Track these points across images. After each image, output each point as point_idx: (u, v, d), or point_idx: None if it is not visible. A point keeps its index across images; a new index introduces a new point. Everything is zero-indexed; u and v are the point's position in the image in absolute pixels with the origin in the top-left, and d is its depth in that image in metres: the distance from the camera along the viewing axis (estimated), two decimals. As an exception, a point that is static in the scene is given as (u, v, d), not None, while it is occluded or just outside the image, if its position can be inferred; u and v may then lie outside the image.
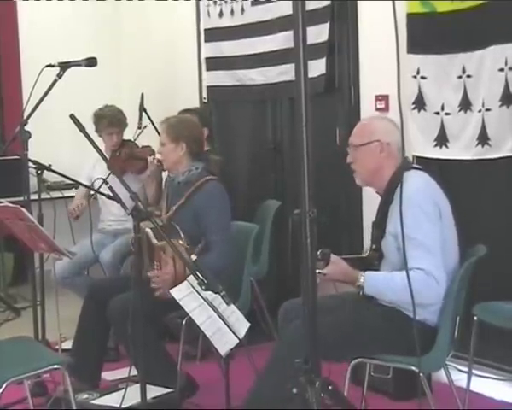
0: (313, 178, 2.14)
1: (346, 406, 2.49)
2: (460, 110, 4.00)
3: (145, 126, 5.19)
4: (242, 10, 5.46)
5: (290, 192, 5.18)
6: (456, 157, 4.07)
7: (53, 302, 3.98)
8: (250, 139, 5.69)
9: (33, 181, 3.90)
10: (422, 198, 2.98)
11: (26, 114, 3.81)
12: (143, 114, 5.30)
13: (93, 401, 3.55)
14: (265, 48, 5.24)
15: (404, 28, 4.10)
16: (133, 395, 3.11)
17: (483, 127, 3.87)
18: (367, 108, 4.53)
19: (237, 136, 5.78)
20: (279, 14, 5.06)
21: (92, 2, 6.70)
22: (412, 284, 2.47)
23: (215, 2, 5.73)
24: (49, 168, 3.90)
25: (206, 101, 5.98)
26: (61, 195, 4.52)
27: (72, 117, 2.98)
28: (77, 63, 3.89)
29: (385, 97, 4.43)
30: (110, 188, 3.04)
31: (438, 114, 4.12)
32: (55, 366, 3.11)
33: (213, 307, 2.97)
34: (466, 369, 3.58)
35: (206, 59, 5.89)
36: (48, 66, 3.82)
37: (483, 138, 3.88)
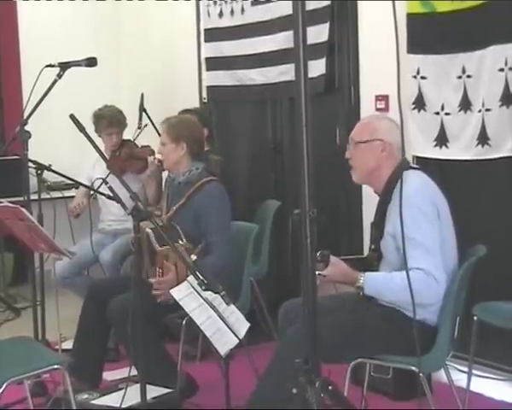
0: (313, 178, 2.14)
1: (346, 406, 2.49)
2: (460, 110, 4.00)
3: (146, 125, 5.19)
4: (242, 10, 5.46)
5: (290, 192, 5.18)
6: (456, 157, 4.07)
7: (53, 302, 3.98)
8: (250, 139, 5.69)
9: (33, 181, 3.90)
10: (421, 198, 2.98)
11: (26, 114, 3.82)
12: (143, 114, 5.30)
13: (93, 401, 3.55)
14: (265, 48, 5.24)
15: (404, 28, 4.10)
16: (133, 395, 3.11)
17: (483, 127, 3.87)
18: (367, 108, 4.53)
19: (237, 136, 5.78)
20: (279, 14, 5.06)
21: (92, 2, 6.70)
22: (412, 283, 2.47)
23: (215, 2, 5.73)
24: (49, 168, 3.90)
25: (205, 101, 5.98)
26: (61, 195, 4.52)
27: (72, 117, 2.98)
28: (77, 63, 3.89)
29: (385, 97, 4.43)
30: (110, 188, 3.04)
31: (438, 114, 4.12)
32: (55, 366, 3.11)
33: (213, 307, 2.97)
34: (466, 369, 3.58)
35: (206, 59, 5.89)
36: (48, 66, 3.83)
37: (483, 138, 3.88)
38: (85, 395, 3.59)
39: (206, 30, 5.87)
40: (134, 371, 3.07)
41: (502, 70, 3.73)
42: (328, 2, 4.69)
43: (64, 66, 3.83)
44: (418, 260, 2.87)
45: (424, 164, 4.05)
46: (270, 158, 5.46)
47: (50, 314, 4.05)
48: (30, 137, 3.76)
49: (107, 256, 4.84)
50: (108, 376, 4.12)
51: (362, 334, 3.02)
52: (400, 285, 2.85)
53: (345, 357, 3.08)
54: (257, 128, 5.61)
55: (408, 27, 4.12)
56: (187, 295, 2.97)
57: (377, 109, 4.45)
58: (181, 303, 2.95)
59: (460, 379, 3.63)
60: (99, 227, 5.12)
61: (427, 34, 4.09)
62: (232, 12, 5.56)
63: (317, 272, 2.39)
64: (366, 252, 3.36)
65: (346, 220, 4.82)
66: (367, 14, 4.54)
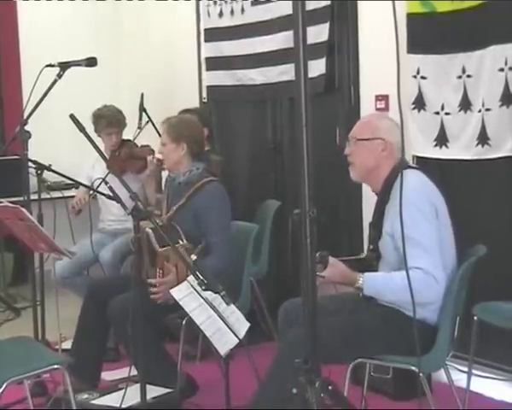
0: (313, 178, 2.14)
1: (346, 406, 2.49)
2: (460, 110, 4.00)
3: (147, 122, 5.17)
4: (242, 10, 5.46)
5: (290, 192, 5.18)
6: (456, 157, 4.07)
7: (53, 302, 3.98)
8: (250, 139, 5.69)
9: (33, 181, 3.90)
10: (419, 197, 2.98)
11: (26, 114, 3.81)
12: (143, 113, 5.30)
13: (93, 401, 3.55)
14: (265, 48, 5.24)
15: (404, 28, 4.10)
16: (133, 395, 3.11)
17: (483, 127, 3.87)
18: (367, 108, 4.53)
19: (237, 136, 5.78)
20: (279, 14, 5.06)
21: (92, 2, 6.70)
22: (411, 283, 2.47)
23: (215, 2, 5.73)
24: (49, 168, 3.90)
25: (205, 101, 5.98)
26: (61, 195, 4.51)
27: (72, 117, 2.98)
28: (77, 63, 3.89)
29: (385, 97, 4.43)
30: (110, 188, 3.04)
31: (438, 113, 4.12)
32: (55, 366, 3.11)
33: (213, 307, 2.97)
34: (466, 369, 3.58)
35: (206, 59, 5.89)
36: (48, 66, 3.82)
37: (483, 138, 3.88)
38: (85, 395, 3.59)
39: (206, 30, 5.87)
40: (134, 371, 3.07)
41: (502, 70, 3.73)
42: (328, 2, 4.69)
43: (64, 66, 3.82)
44: (417, 259, 2.86)
45: (424, 164, 4.05)
46: (270, 158, 5.46)
47: (50, 314, 4.04)
48: (30, 137, 3.76)
49: (107, 256, 4.84)
50: (108, 376, 4.13)
51: (362, 334, 3.02)
52: (400, 285, 2.85)
53: (345, 358, 3.08)
54: (257, 128, 5.61)
55: (408, 27, 4.12)
56: (187, 295, 2.97)
57: (377, 109, 4.45)
58: (181, 303, 2.95)
59: (460, 379, 3.63)
60: (99, 227, 5.12)
61: (427, 34, 4.09)
62: (232, 12, 5.56)
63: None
64: (366, 252, 3.35)
65: (346, 220, 4.82)
66: (367, 14, 4.54)
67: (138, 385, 2.91)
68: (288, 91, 5.00)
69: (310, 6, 4.16)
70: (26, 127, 3.76)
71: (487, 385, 3.89)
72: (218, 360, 3.46)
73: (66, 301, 4.56)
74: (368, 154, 3.16)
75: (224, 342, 2.95)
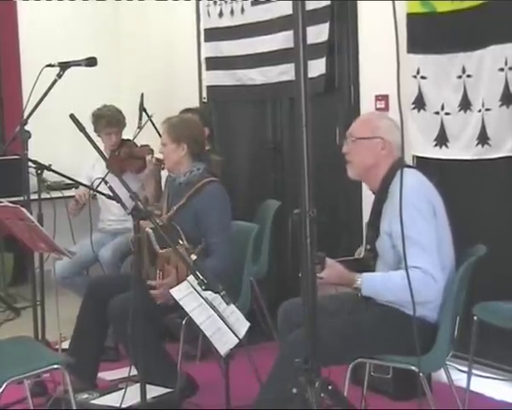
0: (313, 178, 2.14)
1: (346, 406, 2.49)
2: (460, 110, 4.00)
3: (149, 117, 5.16)
4: (242, 10, 5.46)
5: (290, 192, 5.18)
6: (456, 157, 4.07)
7: (53, 302, 3.98)
8: (250, 139, 5.69)
9: (33, 181, 3.90)
10: (416, 196, 2.98)
11: (26, 114, 3.81)
12: (143, 113, 5.29)
13: (93, 401, 3.55)
14: (265, 48, 5.24)
15: (404, 28, 4.10)
16: (133, 394, 3.11)
17: (483, 127, 3.87)
18: (367, 108, 4.53)
19: (237, 136, 5.78)
20: (279, 14, 5.06)
21: (92, 2, 6.70)
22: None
23: (215, 2, 5.73)
24: (49, 168, 3.90)
25: (205, 101, 5.98)
26: (60, 195, 4.51)
27: (72, 117, 2.98)
28: (77, 63, 3.89)
29: (385, 97, 4.43)
30: (110, 188, 3.04)
31: (438, 113, 4.12)
32: (55, 366, 3.11)
33: (213, 307, 2.97)
34: (466, 369, 3.58)
35: (206, 59, 5.89)
36: (48, 66, 3.82)
37: (483, 138, 3.88)
38: (85, 395, 3.59)
39: (206, 30, 5.87)
40: (134, 371, 3.07)
41: (502, 70, 3.73)
42: (328, 2, 4.69)
43: (64, 66, 3.82)
44: (415, 258, 2.85)
45: (424, 164, 4.05)
46: (270, 158, 5.46)
47: (50, 314, 4.04)
48: (30, 137, 3.76)
49: (106, 254, 4.84)
50: (108, 376, 4.13)
51: (361, 335, 3.02)
52: (398, 284, 2.85)
53: (345, 358, 3.08)
54: (257, 128, 5.61)
55: (408, 27, 4.12)
56: (187, 295, 2.97)
57: (377, 109, 4.45)
58: (181, 303, 2.95)
59: (460, 379, 3.63)
60: (99, 227, 5.13)
61: (427, 34, 4.09)
62: (232, 12, 5.56)
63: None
64: (359, 254, 3.35)
65: (346, 220, 4.83)
66: (367, 14, 4.54)
67: (138, 385, 2.91)
68: (288, 91, 5.00)
69: (310, 6, 4.16)
70: (26, 127, 3.76)
71: (487, 385, 3.89)
72: (218, 360, 3.46)
73: (66, 301, 4.56)
74: (367, 152, 3.15)
75: (224, 341, 2.95)
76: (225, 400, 3.31)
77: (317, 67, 4.69)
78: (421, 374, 2.91)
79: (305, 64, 2.12)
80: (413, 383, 3.02)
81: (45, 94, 3.77)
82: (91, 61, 3.93)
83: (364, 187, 4.00)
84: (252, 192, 5.54)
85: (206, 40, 5.88)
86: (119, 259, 4.84)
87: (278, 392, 2.78)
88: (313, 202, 2.14)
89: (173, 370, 3.74)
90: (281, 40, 5.04)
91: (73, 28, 6.56)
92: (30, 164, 3.83)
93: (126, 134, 5.21)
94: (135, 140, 5.14)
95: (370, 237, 3.18)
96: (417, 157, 4.20)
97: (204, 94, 6.00)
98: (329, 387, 2.25)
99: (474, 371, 3.59)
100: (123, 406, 3.24)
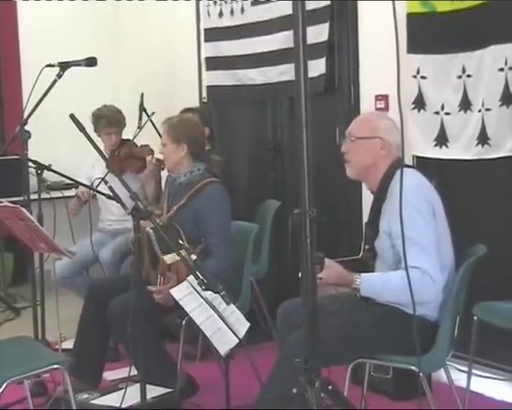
0: (313, 178, 2.14)
1: (346, 406, 2.49)
2: (460, 110, 4.00)
3: (149, 117, 5.15)
4: (242, 10, 5.46)
5: (290, 192, 5.18)
6: (456, 157, 4.07)
7: (53, 302, 3.98)
8: (250, 139, 5.69)
9: (33, 181, 3.89)
10: (416, 197, 2.98)
11: (26, 114, 3.81)
12: (143, 113, 5.29)
13: (93, 401, 3.56)
14: (265, 48, 5.24)
15: (404, 28, 4.10)
16: (133, 395, 3.11)
17: (483, 127, 3.87)
18: (367, 107, 4.53)
19: (237, 136, 5.78)
20: (279, 14, 5.06)
21: (92, 2, 6.70)
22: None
23: (215, 2, 5.73)
24: (49, 168, 3.90)
25: (205, 101, 5.98)
26: (60, 195, 4.52)
27: (72, 117, 2.98)
28: (77, 63, 3.88)
29: (385, 97, 4.43)
30: (110, 188, 3.04)
31: (438, 113, 4.12)
32: (55, 366, 3.11)
33: (213, 307, 2.97)
34: (466, 369, 3.58)
35: (206, 59, 5.89)
36: (48, 66, 3.82)
37: (483, 138, 3.88)
38: (85, 395, 3.60)
39: (206, 30, 5.87)
40: (134, 371, 3.07)
41: (502, 70, 3.73)
42: (328, 2, 4.69)
43: (64, 66, 3.82)
44: (414, 258, 2.84)
45: (424, 164, 4.05)
46: (270, 158, 5.46)
47: (50, 314, 4.04)
48: (30, 137, 3.76)
49: (106, 255, 4.84)
50: (108, 376, 4.12)
51: (361, 335, 3.02)
52: (397, 285, 2.86)
53: (345, 358, 3.08)
54: (257, 128, 5.61)
55: (408, 27, 4.12)
56: (187, 295, 2.97)
57: (377, 109, 4.45)
58: (181, 303, 2.95)
59: (460, 379, 3.63)
60: (99, 227, 5.13)
61: (427, 34, 4.09)
62: (232, 12, 5.56)
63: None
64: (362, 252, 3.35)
65: (346, 220, 4.83)
66: (367, 14, 4.54)
67: (138, 385, 2.91)
68: (288, 91, 5.00)
69: (310, 6, 4.16)
70: (26, 127, 3.76)
71: (487, 385, 3.89)
72: (218, 360, 3.46)
73: (66, 301, 4.57)
74: (366, 152, 3.15)
75: (224, 341, 2.95)
76: (225, 400, 3.31)
77: (317, 67, 4.69)
78: (421, 374, 2.91)
79: (305, 64, 2.12)
80: (413, 383, 3.02)
81: (45, 94, 3.77)
82: (91, 61, 3.93)
83: (364, 187, 4.00)
84: (252, 192, 5.54)
85: (206, 40, 5.88)
86: (119, 259, 4.84)
87: (278, 392, 2.78)
88: (313, 202, 2.14)
89: (173, 370, 3.74)
90: (281, 40, 5.05)
91: (73, 28, 6.56)
92: (30, 164, 3.83)
93: (126, 134, 5.21)
94: (135, 140, 5.14)
95: (369, 237, 3.18)
96: (417, 157, 4.20)
97: (204, 94, 6.00)
98: (329, 387, 2.25)
99: (474, 371, 3.59)
100: (123, 406, 3.24)
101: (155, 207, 4.24)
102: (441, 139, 4.12)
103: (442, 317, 3.03)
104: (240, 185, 5.55)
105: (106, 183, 3.18)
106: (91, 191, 4.56)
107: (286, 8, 4.81)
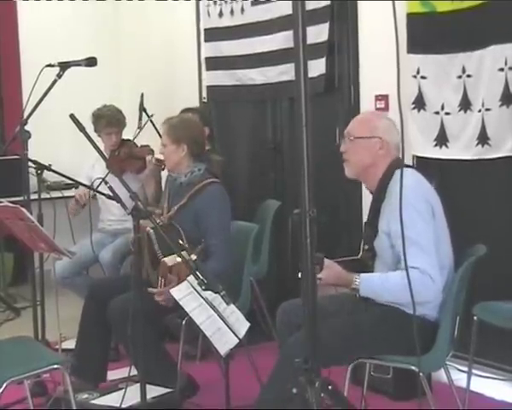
0: (313, 178, 2.14)
1: (346, 406, 2.49)
2: (460, 110, 4.00)
3: (149, 117, 5.15)
4: (242, 10, 5.47)
5: (290, 192, 5.18)
6: (456, 157, 4.07)
7: (53, 302, 3.98)
8: (250, 139, 5.69)
9: (33, 181, 3.89)
10: (415, 196, 2.97)
11: (26, 114, 3.81)
12: (143, 113, 5.29)
13: (93, 401, 3.56)
14: (265, 48, 5.24)
15: (404, 28, 4.10)
16: (133, 395, 3.11)
17: (483, 127, 3.87)
18: (367, 107, 4.53)
19: (237, 136, 5.78)
20: (279, 14, 5.06)
21: (92, 2, 6.70)
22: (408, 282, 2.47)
23: (215, 2, 5.73)
24: (49, 168, 3.90)
25: (205, 101, 5.98)
26: (60, 195, 4.52)
27: (72, 117, 2.98)
28: (77, 63, 3.89)
29: (385, 97, 4.43)
30: (110, 188, 3.04)
31: (438, 113, 4.12)
32: (55, 366, 3.11)
33: (213, 307, 2.97)
34: (466, 369, 3.58)
35: (206, 59, 5.89)
36: (48, 66, 3.82)
37: (483, 138, 3.88)
38: (85, 395, 3.59)
39: (206, 30, 5.87)
40: (134, 371, 3.07)
41: (502, 70, 3.73)
42: (328, 2, 4.69)
43: (64, 66, 3.82)
44: (413, 258, 2.83)
45: (424, 164, 4.05)
46: (270, 158, 5.46)
47: (50, 314, 4.04)
48: (30, 137, 3.76)
49: (107, 256, 4.84)
50: (108, 376, 4.11)
51: (361, 335, 3.02)
52: (396, 285, 2.86)
53: (345, 359, 3.08)
54: (257, 128, 5.61)
55: (408, 27, 4.12)
56: (187, 295, 2.97)
57: (377, 109, 4.45)
58: (181, 303, 2.95)
59: (460, 379, 3.63)
60: (99, 227, 5.13)
61: (427, 34, 4.09)
62: (232, 12, 5.56)
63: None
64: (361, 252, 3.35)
65: (346, 220, 4.83)
66: (367, 14, 4.54)
67: (138, 385, 2.91)
68: (288, 91, 5.00)
69: (310, 6, 4.16)
70: (26, 127, 3.76)
71: (487, 385, 3.89)
72: (218, 360, 3.46)
73: (66, 301, 4.57)
74: (365, 152, 3.15)
75: (224, 342, 2.95)
76: (225, 400, 3.31)
77: (317, 67, 4.69)
78: (421, 374, 2.91)
79: (305, 64, 2.12)
80: (413, 383, 3.02)
81: (45, 94, 3.77)
82: (91, 61, 3.93)
83: (364, 187, 4.00)
84: (252, 192, 5.54)
85: (206, 40, 5.88)
86: (119, 260, 4.84)
87: (278, 392, 2.78)
88: (313, 202, 2.14)
89: (173, 370, 3.74)
90: (281, 40, 5.05)
91: (73, 28, 6.57)
92: (30, 164, 3.83)
93: (126, 134, 5.21)
94: (135, 140, 5.14)
95: (369, 237, 3.17)
96: (417, 157, 4.20)
97: (204, 94, 6.00)
98: (329, 387, 2.25)
99: (474, 371, 3.59)
100: (123, 406, 3.24)
101: (155, 207, 4.24)
102: (441, 139, 4.12)
103: (442, 317, 3.03)
104: (240, 185, 5.55)
105: (106, 183, 3.18)
106: (91, 191, 4.56)
107: (286, 8, 4.81)
